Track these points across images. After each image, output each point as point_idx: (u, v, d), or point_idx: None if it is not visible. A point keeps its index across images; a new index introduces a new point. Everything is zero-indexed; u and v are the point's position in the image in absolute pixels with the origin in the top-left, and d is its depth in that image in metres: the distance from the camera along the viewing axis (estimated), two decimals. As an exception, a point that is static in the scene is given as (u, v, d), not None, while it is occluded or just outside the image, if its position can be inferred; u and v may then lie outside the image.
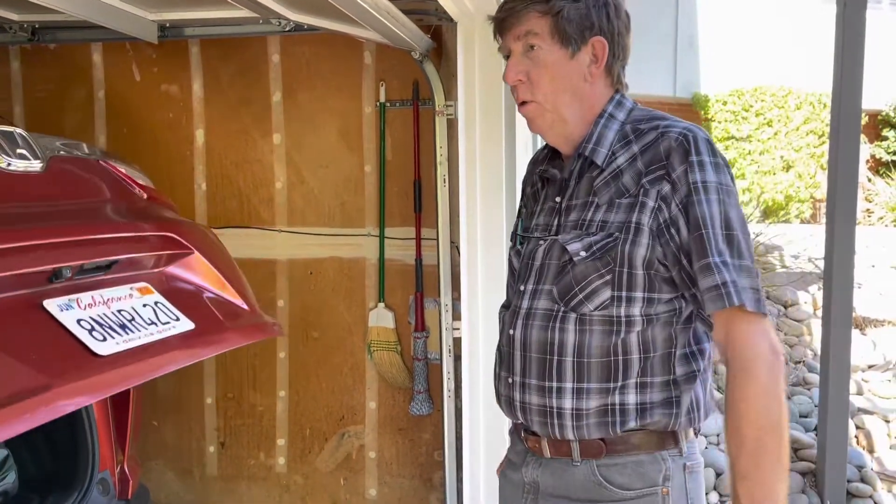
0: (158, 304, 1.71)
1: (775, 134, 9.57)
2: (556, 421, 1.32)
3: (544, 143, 1.49)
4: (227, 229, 3.13)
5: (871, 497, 3.37)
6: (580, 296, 1.29)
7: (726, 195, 1.24)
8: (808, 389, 4.15)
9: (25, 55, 3.29)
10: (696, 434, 1.37)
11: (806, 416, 3.91)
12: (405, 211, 3.05)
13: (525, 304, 1.36)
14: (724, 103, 9.66)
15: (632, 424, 1.30)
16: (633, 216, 1.27)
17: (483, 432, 2.68)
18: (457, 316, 2.84)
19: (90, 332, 1.47)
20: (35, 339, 1.41)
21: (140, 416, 2.20)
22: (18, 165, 1.59)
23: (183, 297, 1.81)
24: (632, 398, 1.29)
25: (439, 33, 2.92)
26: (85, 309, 1.53)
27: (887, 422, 3.89)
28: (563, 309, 1.31)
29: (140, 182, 2.01)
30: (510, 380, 1.38)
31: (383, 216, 3.07)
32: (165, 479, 3.32)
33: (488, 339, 2.61)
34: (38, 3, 2.34)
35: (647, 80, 8.89)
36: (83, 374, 1.38)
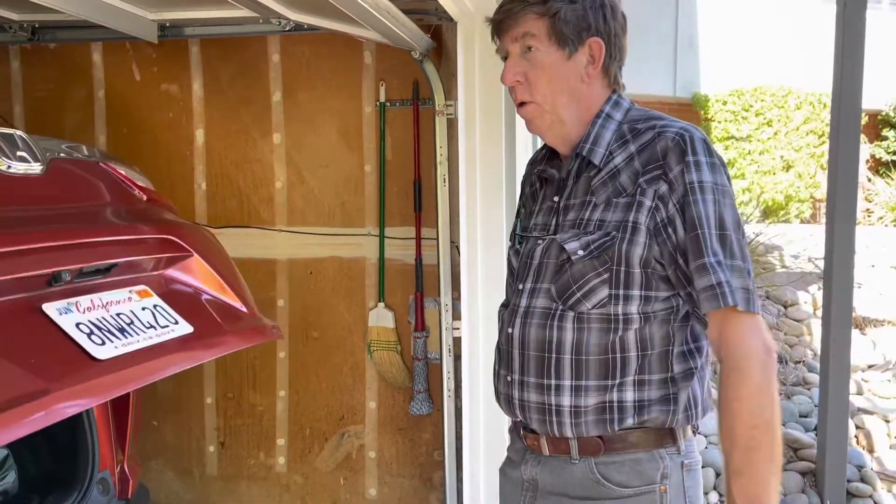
0: (157, 308, 1.71)
1: (775, 134, 9.55)
2: (554, 418, 1.32)
3: (543, 143, 1.50)
4: (226, 229, 3.13)
5: (870, 497, 3.36)
6: (578, 294, 1.30)
7: (721, 195, 1.25)
8: (808, 389, 4.14)
9: (25, 55, 3.30)
10: (694, 432, 1.38)
11: (806, 416, 3.90)
12: (405, 211, 3.06)
13: (523, 302, 1.37)
14: (724, 103, 9.64)
15: (630, 422, 1.31)
16: (631, 215, 1.28)
17: (483, 432, 2.68)
18: (457, 316, 2.85)
19: (89, 335, 1.47)
20: (34, 342, 1.41)
21: (140, 415, 2.20)
22: (18, 168, 1.59)
23: (182, 301, 1.81)
24: (630, 395, 1.30)
25: (439, 33, 2.92)
26: (84, 312, 1.53)
27: (887, 422, 3.88)
28: (561, 307, 1.32)
29: (140, 184, 2.01)
30: (509, 378, 1.39)
31: (383, 216, 3.07)
32: (165, 478, 3.33)
33: (488, 338, 2.61)
34: (38, 2, 2.34)
35: (647, 79, 8.89)
36: (81, 379, 1.38)
